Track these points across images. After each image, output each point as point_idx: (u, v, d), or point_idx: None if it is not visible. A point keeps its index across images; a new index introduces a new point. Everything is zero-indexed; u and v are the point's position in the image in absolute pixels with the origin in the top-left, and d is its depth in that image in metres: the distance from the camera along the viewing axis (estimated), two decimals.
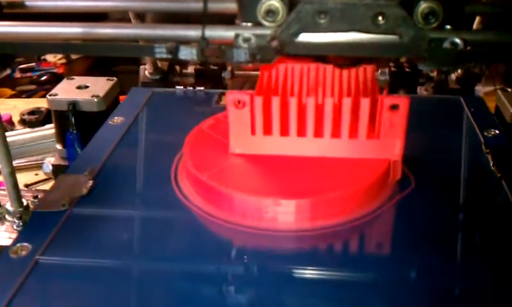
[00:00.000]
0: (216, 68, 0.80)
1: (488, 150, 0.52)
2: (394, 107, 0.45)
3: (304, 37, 0.36)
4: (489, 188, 0.48)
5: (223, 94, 0.68)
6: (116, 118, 0.62)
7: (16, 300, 0.36)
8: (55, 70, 1.41)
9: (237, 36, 0.35)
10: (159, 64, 0.83)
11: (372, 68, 0.51)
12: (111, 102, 0.69)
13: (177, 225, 0.46)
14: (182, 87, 0.71)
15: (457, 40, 0.35)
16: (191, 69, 0.83)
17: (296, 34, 0.35)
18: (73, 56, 1.33)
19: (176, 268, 0.40)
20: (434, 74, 0.71)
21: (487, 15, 0.37)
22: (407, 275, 0.39)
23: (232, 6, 0.37)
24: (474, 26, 0.66)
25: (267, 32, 0.36)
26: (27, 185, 0.75)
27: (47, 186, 0.73)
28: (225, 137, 0.50)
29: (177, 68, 0.85)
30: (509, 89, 0.64)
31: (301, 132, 0.48)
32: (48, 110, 0.80)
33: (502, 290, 0.37)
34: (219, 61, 0.34)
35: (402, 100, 0.45)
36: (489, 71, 0.71)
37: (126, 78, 0.98)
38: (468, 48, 0.35)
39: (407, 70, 0.71)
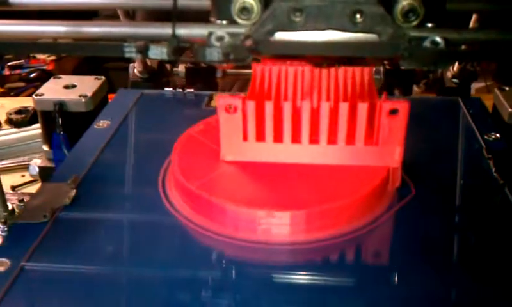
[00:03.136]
0: (206, 66, 0.80)
1: (489, 156, 0.52)
2: (393, 112, 0.44)
3: (280, 36, 0.36)
4: (491, 195, 0.48)
5: (213, 96, 0.68)
6: (102, 121, 0.62)
7: None
8: (44, 67, 1.42)
9: (209, 34, 0.36)
10: (149, 62, 0.83)
11: (369, 70, 0.50)
12: (99, 102, 0.69)
13: (165, 235, 0.45)
14: (171, 88, 0.71)
15: (438, 39, 0.35)
16: (181, 67, 0.83)
17: (271, 33, 0.35)
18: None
19: (163, 278, 0.40)
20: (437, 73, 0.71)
21: (470, 12, 0.37)
22: (405, 289, 0.38)
23: (206, 3, 0.37)
24: (471, 24, 0.66)
25: (242, 30, 0.36)
26: (13, 187, 0.75)
27: (34, 188, 0.74)
28: (216, 143, 0.49)
29: (168, 66, 0.85)
30: (507, 88, 0.64)
31: (296, 138, 0.47)
32: (35, 110, 0.81)
33: (502, 300, 0.37)
34: (192, 60, 0.34)
35: (401, 105, 0.44)
36: (480, 68, 0.71)
37: (117, 75, 0.99)
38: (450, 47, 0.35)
39: (402, 68, 0.70)
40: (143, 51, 0.34)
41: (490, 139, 0.55)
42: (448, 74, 0.71)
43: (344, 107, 0.45)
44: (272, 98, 0.47)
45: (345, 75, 0.50)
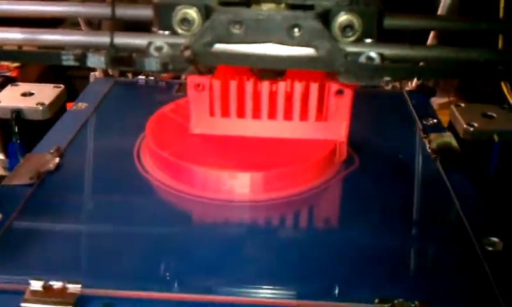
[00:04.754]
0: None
1: (425, 135, 0.60)
2: (340, 92, 0.51)
3: (219, 47, 0.37)
4: (425, 167, 0.56)
5: (183, 84, 0.72)
6: (79, 104, 0.67)
7: None
8: (8, 74, 1.41)
9: (149, 44, 0.37)
10: (110, 71, 0.84)
11: None
12: (57, 110, 0.70)
13: (140, 196, 0.51)
14: (143, 76, 0.76)
15: (373, 54, 0.37)
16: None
17: (210, 44, 0.37)
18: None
19: (139, 233, 0.45)
20: (389, 87, 0.73)
21: (406, 29, 0.39)
22: (348, 238, 0.45)
23: (147, 13, 0.38)
24: (429, 41, 0.69)
25: (181, 41, 0.37)
26: None
27: None
28: (185, 119, 0.55)
29: (129, 75, 0.86)
30: (462, 104, 0.66)
31: (256, 115, 0.53)
32: None
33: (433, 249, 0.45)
34: (131, 69, 0.35)
35: (347, 86, 0.51)
36: (443, 83, 0.74)
37: (81, 83, 0.99)
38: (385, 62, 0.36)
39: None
40: (81, 59, 0.35)
41: (428, 123, 0.64)
42: (407, 89, 0.73)
43: (298, 87, 0.51)
44: (236, 78, 0.52)
45: None
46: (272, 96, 0.52)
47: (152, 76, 0.75)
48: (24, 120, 0.67)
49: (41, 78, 1.14)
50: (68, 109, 0.72)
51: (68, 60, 0.35)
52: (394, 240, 0.45)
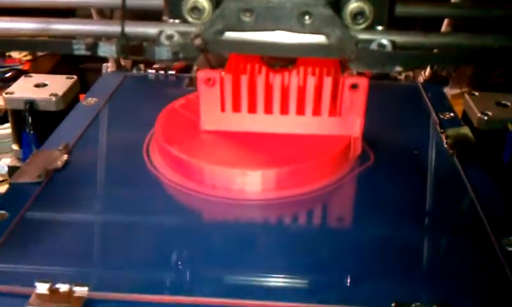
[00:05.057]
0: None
1: (441, 130, 0.58)
2: (354, 87, 0.50)
3: (230, 35, 0.37)
4: (442, 164, 0.54)
5: (193, 78, 0.71)
6: (89, 98, 0.66)
7: None
8: (20, 67, 1.42)
9: (160, 33, 0.37)
10: (123, 62, 0.84)
11: None
12: (70, 101, 0.70)
13: (149, 195, 0.49)
14: (154, 70, 0.75)
15: (385, 42, 0.36)
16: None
17: (220, 32, 0.37)
18: (39, 53, 1.34)
19: (148, 228, 0.45)
20: (402, 76, 0.72)
21: (418, 17, 0.39)
22: (363, 239, 0.43)
23: (158, 2, 0.38)
24: (442, 28, 0.68)
25: (191, 29, 0.37)
26: None
27: (3, 189, 0.74)
28: (196, 115, 0.54)
29: (142, 66, 0.87)
30: (476, 93, 0.66)
31: (268, 110, 0.52)
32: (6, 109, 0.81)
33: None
34: (141, 58, 0.36)
35: (362, 80, 0.49)
36: (456, 73, 0.73)
37: (93, 76, 0.99)
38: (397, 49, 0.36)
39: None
40: (92, 48, 0.36)
41: (445, 118, 0.62)
42: (420, 78, 0.73)
43: (311, 82, 0.50)
44: (247, 72, 0.51)
45: None
46: (285, 90, 0.51)
47: (162, 68, 0.75)
48: (37, 111, 0.67)
49: (53, 71, 1.15)
50: (80, 100, 0.73)
51: (79, 49, 0.36)
52: (411, 240, 0.44)
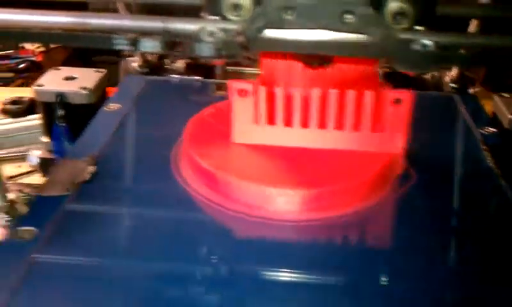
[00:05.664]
0: (204, 63, 0.82)
1: (485, 147, 0.56)
2: (397, 101, 0.48)
3: (271, 33, 0.37)
4: (487, 184, 0.52)
5: (221, 84, 0.70)
6: (112, 104, 0.65)
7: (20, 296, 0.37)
8: (33, 58, 1.43)
9: (201, 29, 0.37)
10: (149, 57, 0.85)
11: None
12: (100, 95, 0.71)
13: (178, 211, 0.48)
14: (177, 75, 0.75)
15: (427, 42, 0.37)
16: (181, 63, 0.84)
17: (262, 30, 0.37)
18: (52, 45, 1.35)
19: (176, 242, 0.43)
20: (428, 76, 0.72)
21: (461, 17, 0.39)
22: (407, 266, 0.41)
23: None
24: (471, 29, 0.68)
25: (233, 26, 0.37)
26: (10, 178, 0.76)
27: (31, 179, 0.75)
28: (226, 126, 0.52)
29: (168, 62, 0.87)
30: (506, 95, 0.66)
31: (305, 123, 0.50)
32: (31, 101, 0.82)
33: (496, 291, 0.40)
34: (183, 54, 0.36)
35: (405, 94, 0.48)
36: (469, 73, 0.72)
37: (107, 69, 1.00)
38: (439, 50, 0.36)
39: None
40: (134, 44, 0.36)
41: (487, 132, 0.59)
42: (447, 78, 0.72)
43: (351, 95, 0.48)
44: (282, 84, 0.50)
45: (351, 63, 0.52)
46: (323, 103, 0.49)
47: (181, 73, 0.74)
48: (68, 104, 0.68)
49: (66, 63, 1.15)
50: (108, 94, 0.73)
51: (121, 44, 0.36)
52: (457, 266, 0.42)
